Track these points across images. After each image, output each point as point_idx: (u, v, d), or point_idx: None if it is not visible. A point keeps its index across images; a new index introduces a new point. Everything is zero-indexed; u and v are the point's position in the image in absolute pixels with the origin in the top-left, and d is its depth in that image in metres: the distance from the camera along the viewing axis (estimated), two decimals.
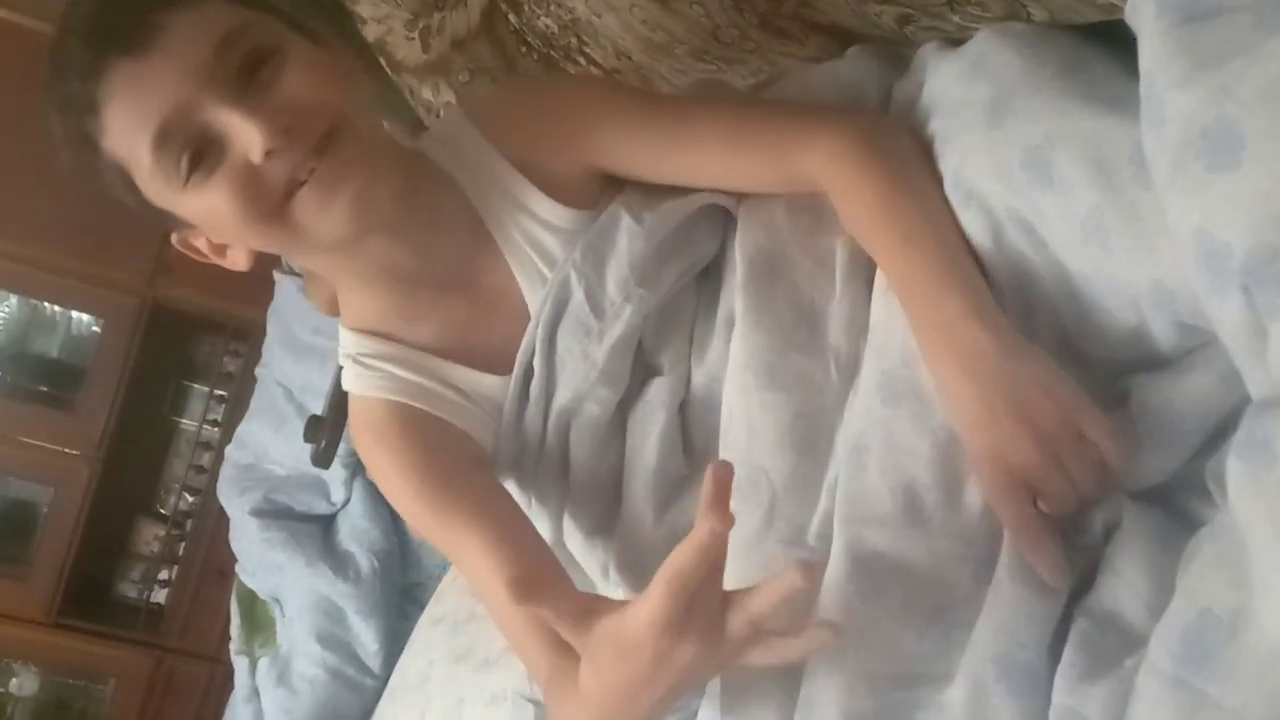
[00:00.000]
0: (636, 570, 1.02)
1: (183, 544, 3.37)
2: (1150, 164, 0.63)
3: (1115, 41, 0.82)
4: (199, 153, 0.87)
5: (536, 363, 1.01)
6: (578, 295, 1.00)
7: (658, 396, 1.01)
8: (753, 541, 0.89)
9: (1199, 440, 0.72)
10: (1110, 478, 0.76)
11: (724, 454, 0.94)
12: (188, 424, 3.43)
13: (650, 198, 1.01)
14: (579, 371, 1.00)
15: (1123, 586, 0.73)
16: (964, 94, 0.84)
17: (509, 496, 1.03)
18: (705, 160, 0.99)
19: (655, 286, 1.00)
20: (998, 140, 0.79)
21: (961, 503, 0.80)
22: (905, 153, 0.90)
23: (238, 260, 0.97)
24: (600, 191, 1.03)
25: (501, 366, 1.03)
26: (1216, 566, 0.58)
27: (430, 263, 1.01)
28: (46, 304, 3.34)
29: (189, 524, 3.38)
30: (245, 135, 0.85)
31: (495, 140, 1.01)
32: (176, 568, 3.36)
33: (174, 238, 0.97)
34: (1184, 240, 0.59)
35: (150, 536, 3.43)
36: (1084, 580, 0.76)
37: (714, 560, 0.73)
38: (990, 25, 0.87)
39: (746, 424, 0.92)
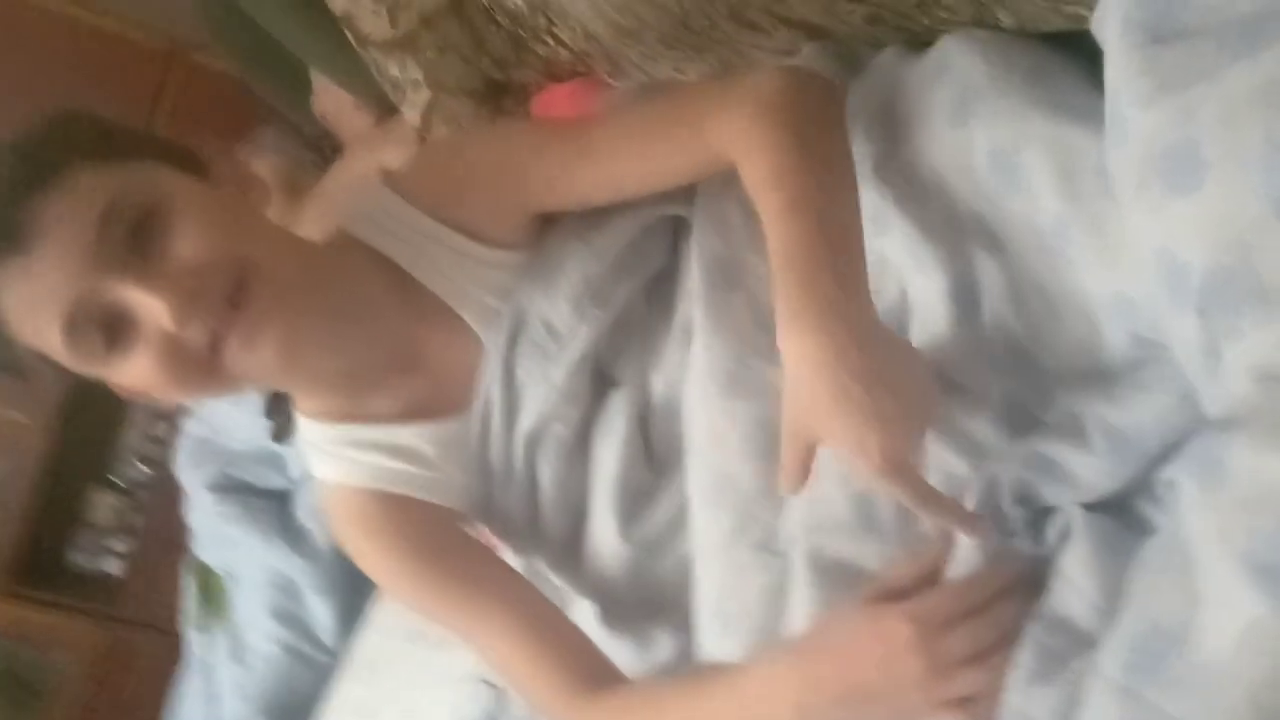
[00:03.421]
0: (606, 584, 1.03)
1: (138, 515, 3.35)
2: (1113, 180, 0.64)
3: (1080, 52, 0.82)
4: (112, 331, 0.85)
5: (495, 393, 1.00)
6: (533, 321, 0.99)
7: (617, 408, 1.01)
8: (723, 547, 0.90)
9: (1157, 454, 0.73)
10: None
11: (690, 462, 0.95)
12: None
13: (595, 218, 1.00)
14: (539, 394, 1.00)
15: (1072, 591, 0.74)
16: (927, 93, 0.85)
17: (500, 561, 1.04)
18: (625, 166, 0.97)
19: (609, 304, 0.99)
20: (961, 140, 0.79)
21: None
22: (810, 115, 0.87)
23: (180, 400, 0.95)
24: (542, 225, 1.02)
25: (462, 408, 1.02)
26: (1166, 577, 0.60)
27: (374, 353, 0.99)
28: None
29: (144, 495, 3.35)
30: (153, 310, 0.83)
31: (426, 208, 0.99)
32: (131, 539, 3.34)
33: (111, 385, 0.93)
34: (1146, 255, 0.60)
35: (104, 507, 3.41)
36: (1037, 588, 0.78)
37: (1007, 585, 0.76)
38: (957, 29, 0.87)
39: (711, 432, 0.93)
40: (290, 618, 2.17)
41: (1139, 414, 0.72)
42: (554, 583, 1.06)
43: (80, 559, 3.40)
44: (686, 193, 1.00)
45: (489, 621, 0.98)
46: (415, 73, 1.77)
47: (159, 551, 3.32)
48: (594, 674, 0.96)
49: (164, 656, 3.29)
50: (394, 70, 1.81)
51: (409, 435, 1.01)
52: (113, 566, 3.37)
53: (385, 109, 1.99)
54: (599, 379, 1.02)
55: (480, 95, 1.75)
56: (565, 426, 1.00)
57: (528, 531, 1.06)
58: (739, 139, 0.88)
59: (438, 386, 1.02)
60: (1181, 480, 0.58)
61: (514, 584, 1.01)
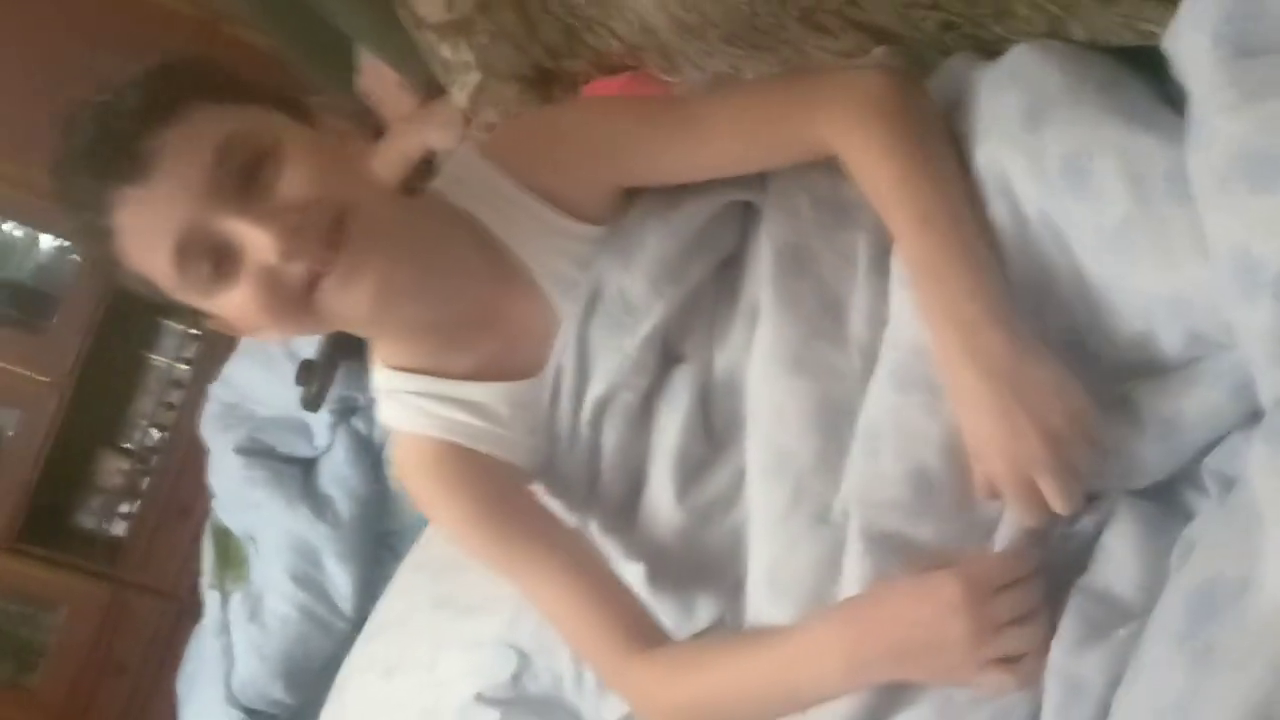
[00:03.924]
0: (657, 548, 1.08)
1: (146, 479, 3.38)
2: (1193, 181, 0.69)
3: (1145, 66, 0.88)
4: (217, 262, 0.90)
5: (568, 359, 1.05)
6: (609, 293, 1.04)
7: (682, 382, 1.06)
8: (779, 518, 0.95)
9: (1203, 446, 0.79)
10: (1109, 475, 0.83)
11: (751, 438, 1.00)
12: (158, 360, 3.44)
13: (673, 196, 1.05)
14: (612, 363, 1.04)
15: (1115, 568, 0.80)
16: (1001, 99, 0.90)
17: (560, 519, 1.09)
18: (721, 149, 1.02)
19: (684, 281, 1.04)
20: (1035, 145, 0.85)
21: (969, 485, 0.87)
22: (921, 120, 0.94)
23: (271, 337, 1.01)
24: (624, 201, 1.07)
25: (535, 371, 1.07)
26: (1223, 544, 0.65)
27: (456, 308, 1.04)
28: (21, 227, 3.33)
29: (154, 460, 3.39)
30: (259, 242, 0.88)
31: (515, 176, 1.04)
32: (138, 502, 3.37)
33: (207, 322, 0.99)
34: (1221, 252, 0.66)
35: (112, 469, 3.43)
36: (1079, 565, 0.83)
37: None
38: (1030, 40, 0.93)
39: (773, 409, 0.97)
40: (310, 582, 2.22)
41: (1191, 407, 0.78)
42: (605, 546, 1.11)
43: (86, 520, 3.43)
44: (759, 180, 1.05)
45: (547, 575, 1.03)
46: (467, 55, 1.81)
47: (163, 516, 3.36)
48: (644, 633, 1.01)
49: (165, 620, 3.34)
50: (446, 52, 1.85)
51: (484, 393, 1.05)
52: (117, 528, 3.41)
53: (433, 90, 2.03)
54: (665, 354, 1.06)
55: (529, 81, 1.79)
56: (633, 395, 1.05)
57: (585, 494, 1.11)
58: (853, 138, 0.94)
59: (514, 348, 1.07)
60: (1256, 448, 0.63)
61: (573, 542, 1.06)
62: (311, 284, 0.91)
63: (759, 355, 0.99)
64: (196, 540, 3.25)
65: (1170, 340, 0.80)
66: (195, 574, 3.24)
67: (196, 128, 0.89)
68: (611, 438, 1.06)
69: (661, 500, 1.05)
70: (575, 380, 1.05)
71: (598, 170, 1.04)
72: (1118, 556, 0.79)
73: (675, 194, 1.05)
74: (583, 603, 1.02)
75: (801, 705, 0.90)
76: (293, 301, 0.91)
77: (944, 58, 1.03)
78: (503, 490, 1.06)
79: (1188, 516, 0.79)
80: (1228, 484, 0.75)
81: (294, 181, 0.90)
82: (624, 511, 1.10)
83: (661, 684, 0.99)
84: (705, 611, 1.07)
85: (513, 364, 1.07)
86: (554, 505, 1.12)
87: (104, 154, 0.88)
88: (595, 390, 1.05)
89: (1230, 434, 0.78)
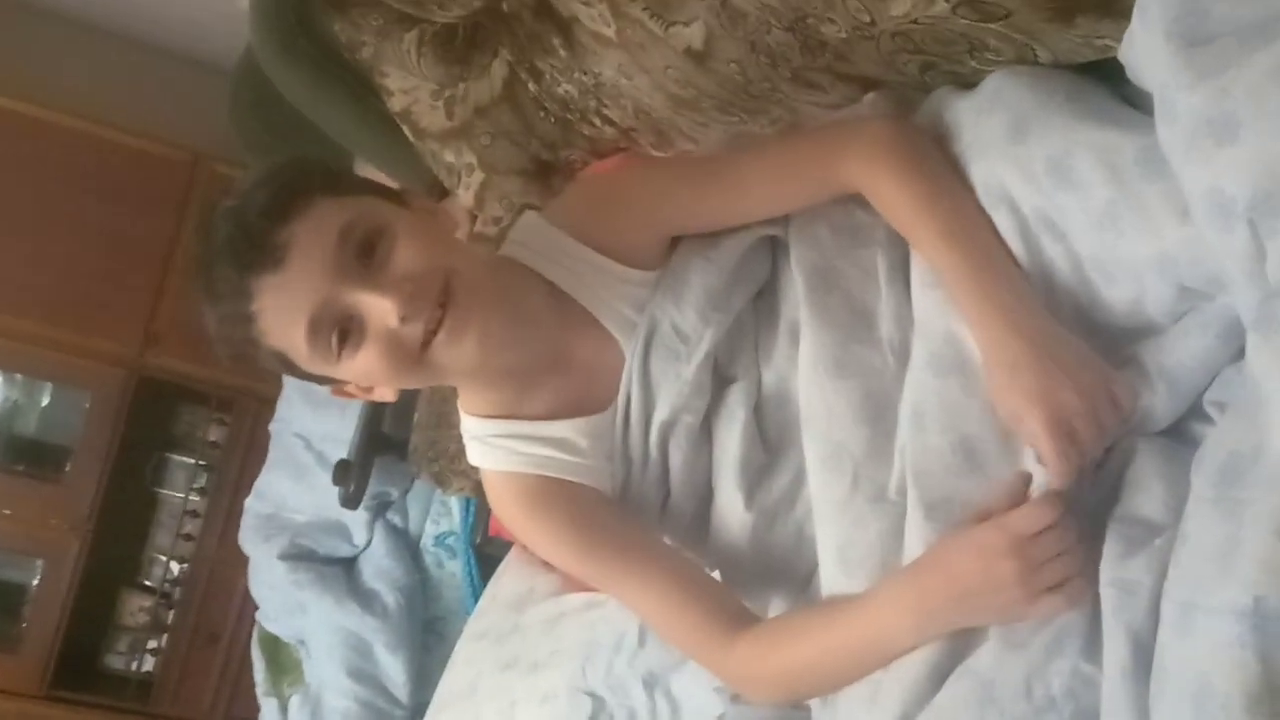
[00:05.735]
0: (730, 552, 1.20)
1: (171, 612, 3.43)
2: (1166, 149, 0.85)
3: (1102, 76, 1.04)
4: (344, 331, 1.05)
5: (633, 391, 1.19)
6: (664, 328, 1.19)
7: (736, 399, 1.19)
8: (841, 504, 1.08)
9: (1204, 386, 0.94)
10: (1129, 424, 0.97)
11: (806, 438, 1.13)
12: (169, 494, 3.51)
13: (711, 239, 1.21)
14: (673, 389, 1.18)
15: (1142, 496, 0.93)
16: (985, 120, 1.05)
17: (646, 528, 1.21)
18: (754, 198, 1.19)
19: (728, 310, 1.19)
20: (1022, 154, 1.00)
21: (1010, 447, 1.00)
22: (931, 153, 1.09)
23: (385, 394, 1.16)
24: (670, 248, 1.23)
25: (607, 404, 1.21)
26: (1237, 423, 0.79)
27: (535, 354, 1.19)
28: (35, 379, 3.44)
29: (177, 592, 3.45)
30: (381, 310, 1.03)
31: (576, 235, 1.21)
32: (165, 636, 3.42)
33: (330, 388, 1.15)
34: (1197, 198, 0.80)
35: (135, 608, 3.49)
36: (1111, 501, 0.96)
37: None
38: (1001, 67, 1.08)
39: (824, 409, 1.11)
40: (365, 675, 2.30)
41: (1190, 356, 0.93)
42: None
43: (115, 661, 3.48)
44: (783, 217, 1.21)
45: (642, 581, 1.16)
46: (470, 158, 1.94)
47: (191, 647, 3.41)
48: (735, 617, 1.14)
49: None
50: (450, 157, 1.98)
51: (564, 429, 1.19)
52: (146, 665, 3.45)
53: (436, 194, 2.17)
54: (718, 377, 1.20)
55: (530, 174, 1.91)
56: (693, 417, 1.18)
57: (659, 512, 1.23)
58: (873, 177, 1.10)
59: (587, 386, 1.20)
60: (1249, 339, 0.78)
61: (658, 547, 1.19)
62: (426, 342, 1.05)
63: (804, 364, 1.13)
64: (228, 665, 3.32)
65: (1159, 299, 0.95)
66: (230, 700, 3.30)
67: (319, 219, 1.03)
68: (678, 457, 1.19)
69: (732, 507, 1.18)
70: (641, 408, 1.18)
71: (646, 225, 1.21)
72: (1143, 486, 0.92)
73: (713, 236, 1.21)
74: (678, 601, 1.14)
75: (883, 660, 1.01)
76: (411, 358, 1.06)
77: (925, 94, 1.18)
78: (591, 512, 1.18)
79: (1197, 444, 0.92)
80: (1226, 409, 0.89)
81: (405, 256, 1.05)
82: (696, 524, 1.22)
83: (759, 659, 1.10)
84: (777, 610, 1.19)
85: (587, 400, 1.20)
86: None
87: (242, 249, 1.02)
88: (660, 415, 1.18)
89: (1224, 370, 0.92)
